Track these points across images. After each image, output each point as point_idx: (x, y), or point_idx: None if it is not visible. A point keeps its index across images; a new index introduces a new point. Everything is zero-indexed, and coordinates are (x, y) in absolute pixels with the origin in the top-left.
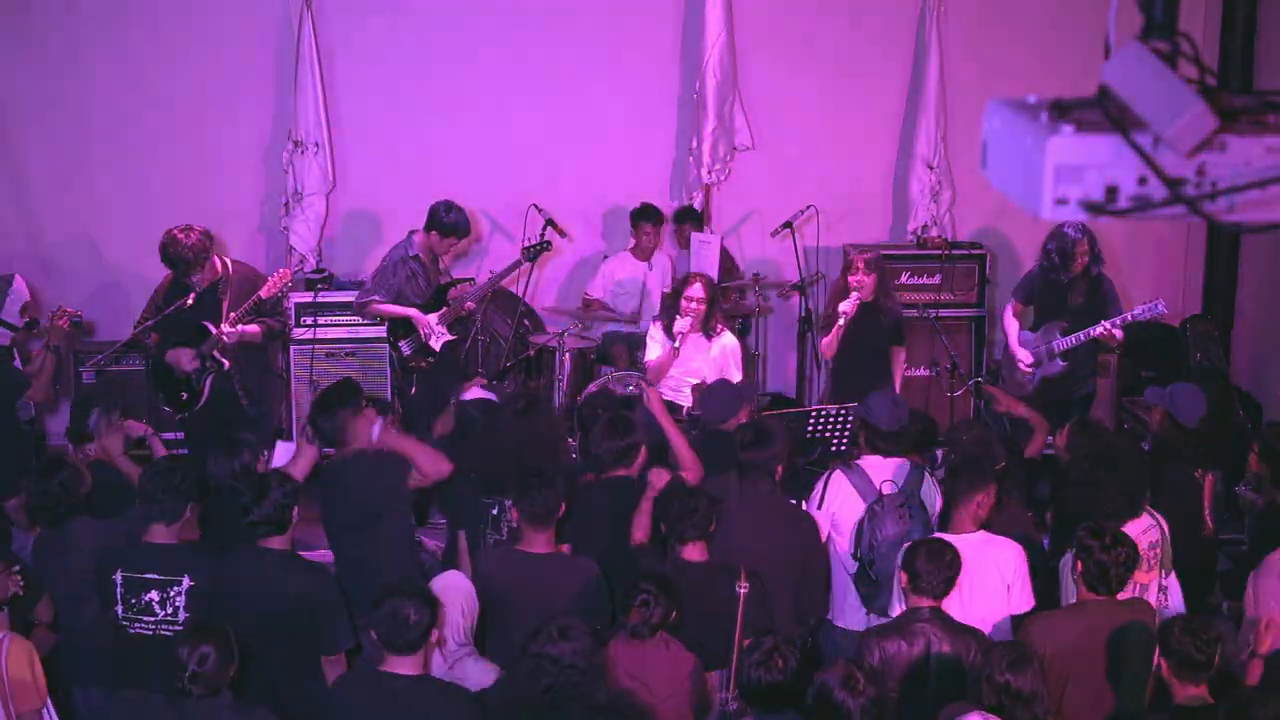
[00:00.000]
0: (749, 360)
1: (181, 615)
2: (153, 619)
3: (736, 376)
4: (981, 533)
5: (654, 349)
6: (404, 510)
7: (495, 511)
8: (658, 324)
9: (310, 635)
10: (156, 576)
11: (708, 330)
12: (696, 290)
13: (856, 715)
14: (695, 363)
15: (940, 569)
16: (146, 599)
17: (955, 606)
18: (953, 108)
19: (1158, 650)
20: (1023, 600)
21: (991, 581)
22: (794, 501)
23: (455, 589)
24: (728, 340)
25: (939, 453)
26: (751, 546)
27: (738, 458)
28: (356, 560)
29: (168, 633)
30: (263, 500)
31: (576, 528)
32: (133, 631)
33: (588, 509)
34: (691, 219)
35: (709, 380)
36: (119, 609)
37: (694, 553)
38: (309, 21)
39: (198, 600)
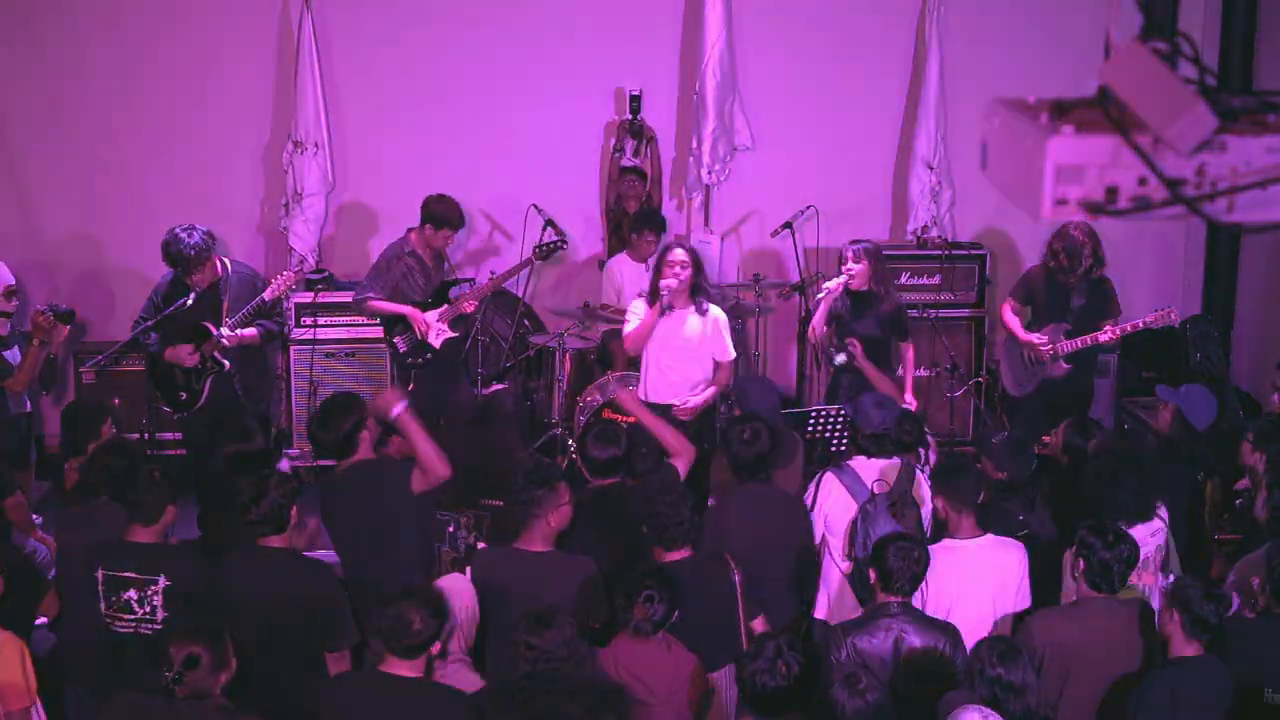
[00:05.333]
0: (748, 360)
1: (159, 614)
2: (132, 617)
3: (730, 354)
4: (988, 535)
5: (634, 321)
6: (412, 521)
7: (452, 529)
8: (640, 298)
9: (313, 633)
10: (134, 575)
11: (697, 302)
12: (679, 255)
13: (857, 716)
14: (686, 341)
15: (910, 565)
16: (125, 597)
17: (985, 608)
18: (953, 108)
19: (1165, 606)
20: (1022, 599)
21: (1009, 583)
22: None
23: (459, 596)
24: (716, 313)
25: (922, 451)
26: (751, 539)
27: (739, 455)
28: (363, 572)
29: (147, 631)
30: (260, 500)
31: (572, 535)
32: (115, 629)
33: (581, 517)
34: (649, 225)
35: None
36: (101, 605)
37: (677, 554)
38: (309, 21)
39: (174, 600)
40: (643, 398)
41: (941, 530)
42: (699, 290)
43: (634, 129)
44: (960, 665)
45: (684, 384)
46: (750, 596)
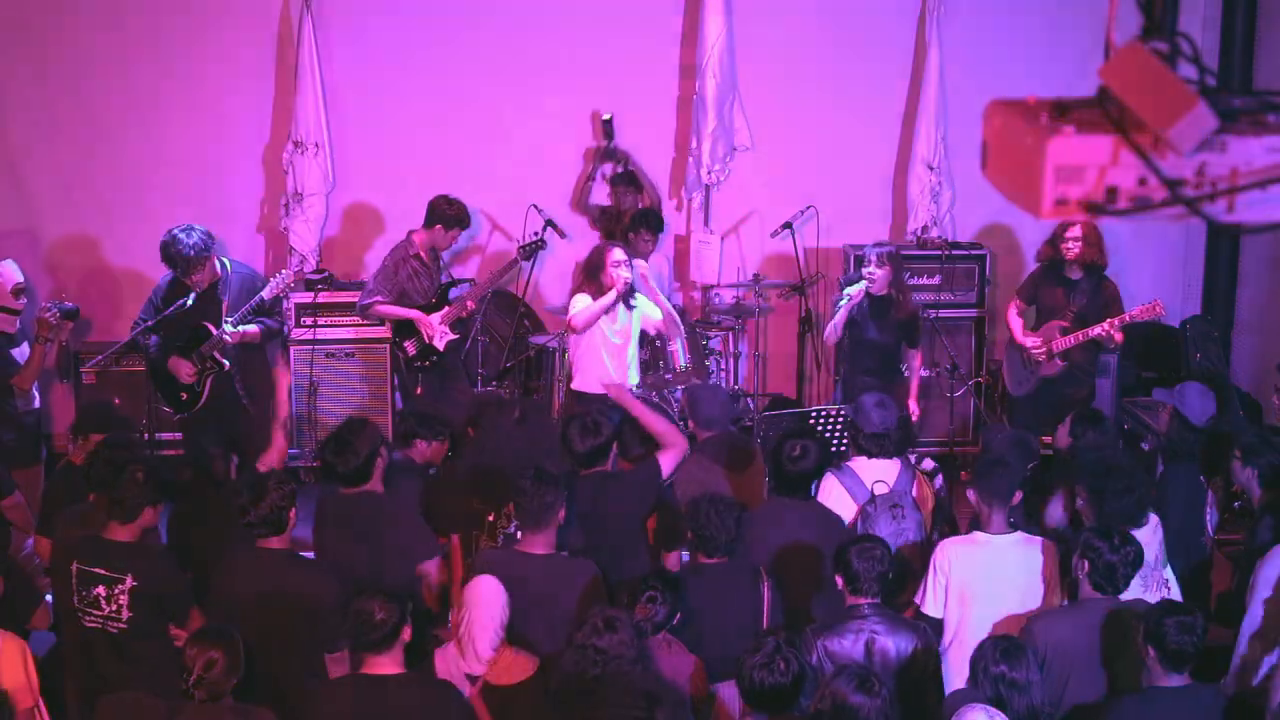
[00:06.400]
0: (749, 360)
1: (125, 614)
2: (99, 614)
3: (664, 305)
4: (1018, 533)
5: (579, 305)
6: (412, 552)
7: (492, 518)
8: (583, 294)
9: (312, 633)
10: (104, 572)
11: (627, 297)
12: (619, 254)
13: (875, 715)
14: (623, 330)
15: (873, 565)
16: (95, 593)
17: (1012, 605)
18: (953, 108)
19: (1140, 639)
20: (1053, 597)
21: (1036, 580)
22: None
23: (489, 596)
24: (639, 265)
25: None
26: (786, 550)
27: (786, 471)
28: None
29: (113, 630)
30: (260, 502)
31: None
32: (84, 624)
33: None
34: (646, 224)
35: (657, 327)
36: (74, 599)
37: (714, 560)
38: (309, 21)
39: (140, 601)
40: (581, 389)
41: (945, 533)
42: (631, 289)
43: (609, 153)
44: (933, 665)
45: (621, 371)
46: (774, 616)
